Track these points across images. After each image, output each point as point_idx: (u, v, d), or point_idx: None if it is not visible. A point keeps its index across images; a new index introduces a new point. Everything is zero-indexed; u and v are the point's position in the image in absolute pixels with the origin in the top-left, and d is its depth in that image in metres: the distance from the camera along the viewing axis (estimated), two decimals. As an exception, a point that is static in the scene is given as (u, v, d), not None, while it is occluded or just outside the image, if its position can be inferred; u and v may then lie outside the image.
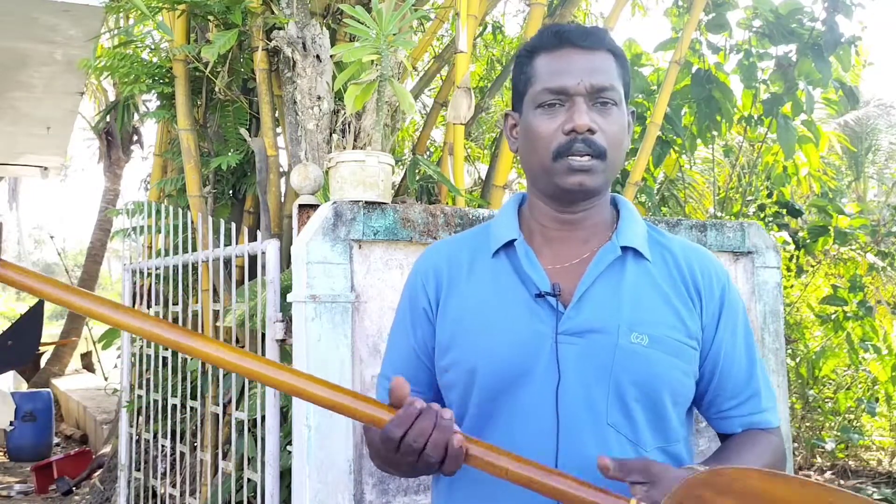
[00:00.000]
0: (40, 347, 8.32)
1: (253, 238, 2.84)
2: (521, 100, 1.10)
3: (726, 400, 1.10)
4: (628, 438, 1.02)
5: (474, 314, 1.08)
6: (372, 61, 2.50)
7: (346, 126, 3.01)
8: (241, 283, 3.01)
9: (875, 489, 4.79)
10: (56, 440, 7.20)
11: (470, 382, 1.06)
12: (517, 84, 1.12)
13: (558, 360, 1.01)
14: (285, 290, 2.38)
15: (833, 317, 5.07)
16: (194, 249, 3.05)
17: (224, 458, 2.98)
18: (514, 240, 1.09)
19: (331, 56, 3.08)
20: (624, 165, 1.14)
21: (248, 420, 2.68)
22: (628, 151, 1.11)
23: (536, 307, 1.05)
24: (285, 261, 2.90)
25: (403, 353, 1.15)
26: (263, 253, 2.47)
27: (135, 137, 9.63)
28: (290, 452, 2.42)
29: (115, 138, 9.48)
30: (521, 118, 1.10)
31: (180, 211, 3.17)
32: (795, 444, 5.21)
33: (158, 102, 3.93)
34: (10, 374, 8.56)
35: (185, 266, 3.07)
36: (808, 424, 5.55)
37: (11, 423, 6.45)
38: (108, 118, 8.92)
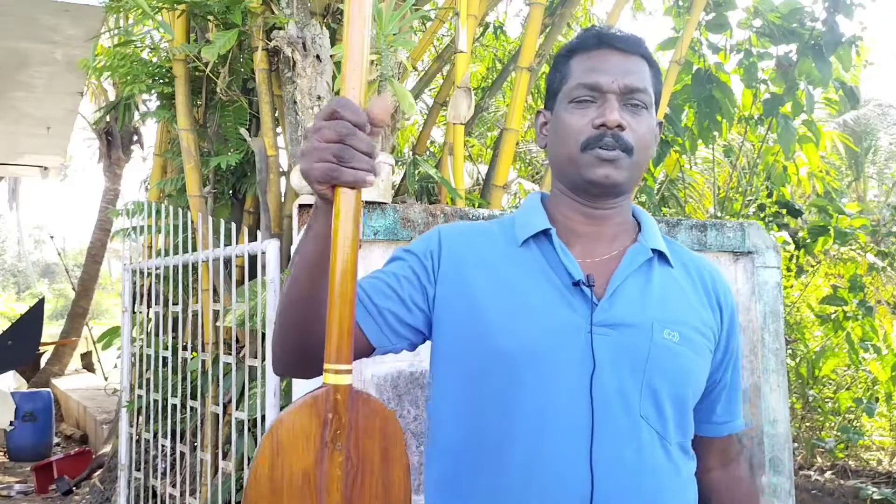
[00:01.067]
0: (40, 347, 8.32)
1: (253, 238, 2.84)
2: (555, 97, 1.14)
3: (722, 408, 1.18)
4: (657, 431, 1.04)
5: (504, 297, 1.07)
6: (372, 61, 2.50)
7: (347, 126, 3.01)
8: (241, 283, 3.01)
9: (875, 489, 4.79)
10: (56, 440, 7.20)
11: (493, 362, 1.05)
12: (552, 83, 1.15)
13: (593, 349, 1.02)
14: (285, 290, 2.37)
15: (833, 317, 5.07)
16: (194, 249, 3.05)
17: (224, 458, 2.98)
18: (548, 229, 1.10)
19: (331, 56, 3.08)
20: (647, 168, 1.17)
21: (248, 420, 2.68)
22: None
23: (570, 297, 1.06)
24: (285, 261, 2.90)
25: (399, 266, 1.12)
26: (263, 253, 2.47)
27: (135, 137, 9.63)
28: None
29: (115, 138, 9.48)
30: (553, 114, 1.14)
31: (180, 211, 3.17)
32: (795, 444, 5.21)
33: (158, 102, 3.93)
34: (10, 374, 8.55)
35: (185, 266, 3.07)
36: (808, 424, 5.55)
37: (12, 423, 6.45)
38: (108, 118, 8.92)
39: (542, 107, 1.19)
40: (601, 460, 1.00)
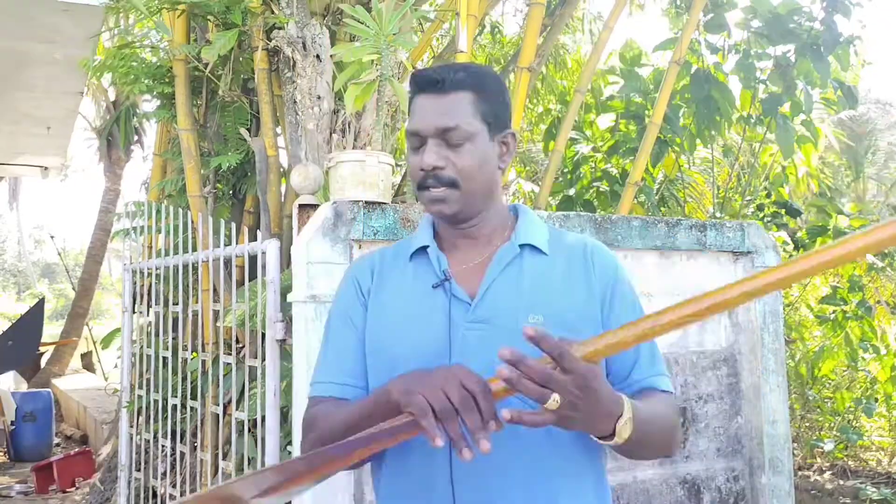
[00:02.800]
0: (40, 347, 8.33)
1: (253, 238, 2.84)
2: None
3: (624, 369, 1.23)
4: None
5: (393, 306, 1.22)
6: (372, 61, 2.51)
7: (346, 126, 3.02)
8: (241, 283, 3.01)
9: (875, 489, 4.80)
10: (56, 440, 7.20)
11: (391, 367, 1.16)
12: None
13: (451, 345, 1.15)
14: (285, 290, 2.38)
15: (832, 317, 5.08)
16: (194, 249, 3.05)
17: (224, 458, 2.98)
18: (426, 246, 1.25)
19: (331, 56, 3.08)
20: (492, 184, 1.26)
21: (248, 420, 2.69)
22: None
23: (445, 300, 1.19)
24: (285, 261, 2.90)
25: (349, 345, 1.25)
26: (263, 253, 2.48)
27: (135, 137, 9.64)
28: (290, 452, 2.42)
29: (116, 138, 9.49)
30: None
31: (180, 211, 3.17)
32: (795, 445, 5.21)
33: (158, 102, 3.94)
34: (11, 374, 8.56)
35: (185, 266, 3.08)
36: (807, 424, 5.55)
37: (12, 423, 6.46)
38: (108, 117, 8.93)
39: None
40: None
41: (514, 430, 1.05)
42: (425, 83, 1.21)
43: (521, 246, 1.23)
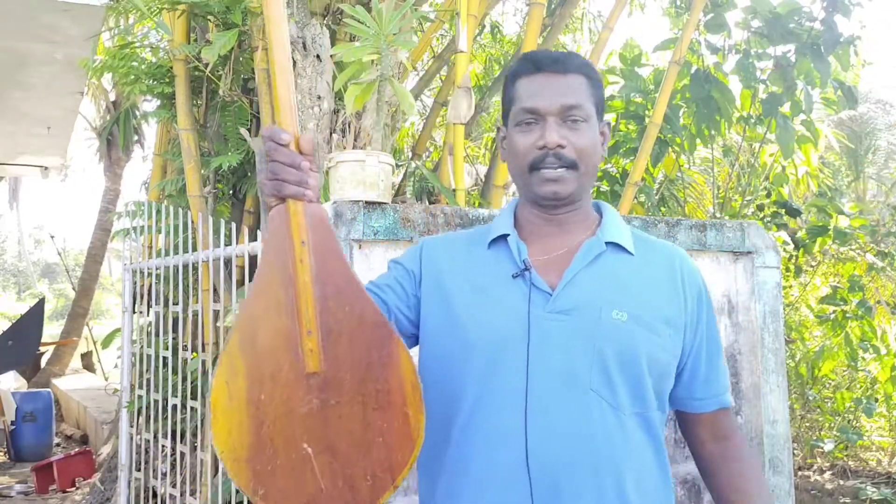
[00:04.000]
0: (41, 347, 8.33)
1: (253, 238, 2.84)
2: (507, 116, 1.28)
3: (700, 385, 1.27)
4: (609, 402, 1.14)
5: (468, 293, 1.22)
6: (372, 61, 2.51)
7: (346, 126, 3.02)
8: (241, 283, 3.01)
9: (875, 489, 4.80)
10: (56, 440, 7.20)
11: (456, 350, 1.19)
12: (504, 103, 1.29)
13: (529, 335, 1.15)
14: (285, 289, 2.37)
15: (832, 317, 5.08)
16: (194, 249, 3.05)
17: (224, 457, 2.98)
18: (506, 234, 1.25)
19: (331, 56, 3.08)
20: (598, 171, 1.29)
21: (249, 420, 2.69)
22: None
23: (525, 289, 1.18)
24: (285, 261, 2.90)
25: (386, 277, 1.30)
26: (263, 253, 2.47)
27: (135, 137, 9.64)
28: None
29: (116, 138, 9.49)
30: (507, 133, 1.27)
31: (180, 211, 3.17)
32: (795, 445, 5.22)
33: (158, 102, 3.94)
34: (11, 374, 8.56)
35: (185, 266, 3.08)
36: (807, 424, 5.55)
37: (12, 423, 6.46)
38: (108, 117, 8.93)
39: (501, 122, 1.33)
40: (537, 435, 1.11)
41: (590, 428, 1.12)
42: (547, 62, 1.21)
43: (608, 243, 1.23)
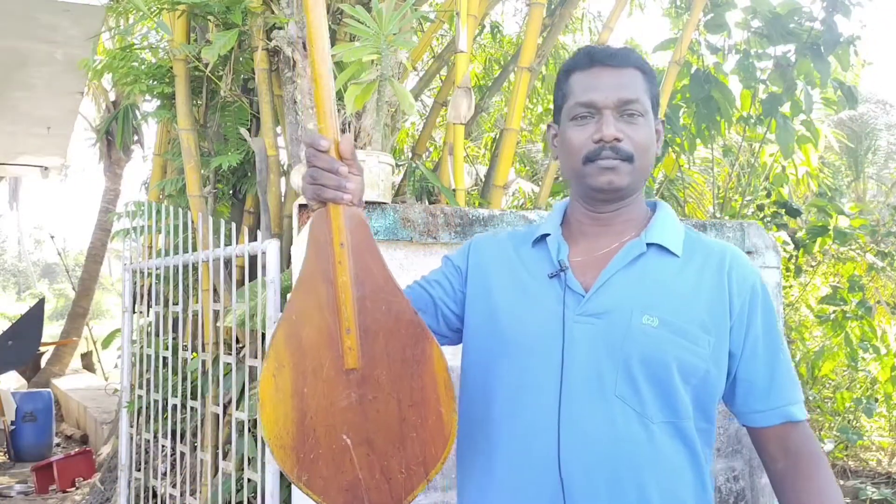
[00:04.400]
0: (41, 347, 8.32)
1: (253, 238, 2.85)
2: (560, 113, 1.25)
3: (759, 397, 1.20)
4: (634, 409, 1.12)
5: (509, 292, 1.22)
6: (372, 61, 2.51)
7: (346, 126, 3.02)
8: (241, 283, 3.01)
9: (875, 489, 4.80)
10: (56, 440, 7.20)
11: (495, 348, 1.20)
12: (556, 99, 1.27)
13: (564, 337, 1.14)
14: (285, 290, 2.38)
15: (832, 317, 5.07)
16: (194, 249, 3.05)
17: (224, 458, 2.98)
18: (547, 234, 1.25)
19: (331, 56, 3.08)
20: (652, 169, 1.26)
21: (249, 420, 2.69)
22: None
23: (560, 290, 1.18)
24: (285, 261, 2.90)
25: (436, 273, 1.33)
26: (264, 253, 2.48)
27: (135, 137, 9.64)
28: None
29: (116, 138, 9.49)
30: (560, 129, 1.25)
31: (180, 211, 3.17)
32: (795, 444, 5.19)
33: (158, 102, 3.94)
34: (11, 374, 8.56)
35: (185, 266, 3.08)
36: (807, 424, 5.54)
37: (12, 423, 6.46)
38: (107, 117, 8.92)
39: (552, 120, 1.32)
40: (568, 438, 1.11)
41: (614, 435, 1.10)
42: (603, 55, 1.20)
43: (650, 244, 1.19)
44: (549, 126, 1.31)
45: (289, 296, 1.08)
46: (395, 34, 2.43)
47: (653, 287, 1.16)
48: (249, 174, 3.62)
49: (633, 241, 1.20)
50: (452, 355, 1.27)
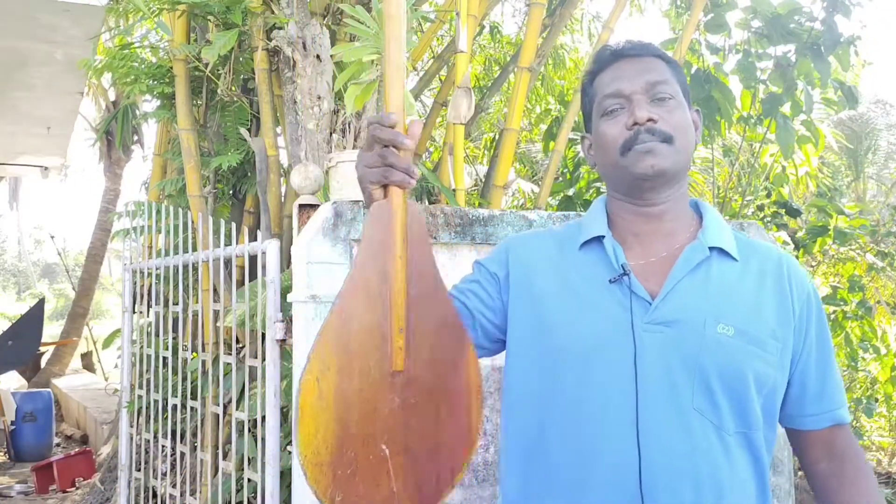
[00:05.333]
0: (41, 347, 8.33)
1: (253, 238, 2.85)
2: (590, 118, 1.22)
3: (812, 400, 1.18)
4: (712, 422, 1.08)
5: (563, 298, 1.15)
6: (372, 61, 2.51)
7: (346, 126, 3.02)
8: (241, 283, 3.01)
9: (874, 489, 4.79)
10: (56, 440, 7.20)
11: (549, 359, 1.13)
12: (584, 107, 1.24)
13: (636, 345, 1.08)
14: (285, 290, 2.38)
15: (832, 317, 5.07)
16: (194, 249, 3.05)
17: (224, 458, 2.98)
18: (603, 236, 1.17)
19: (331, 56, 3.08)
20: (692, 158, 1.19)
21: (249, 420, 2.69)
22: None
23: (622, 297, 1.11)
24: (285, 261, 2.90)
25: (469, 282, 1.26)
26: (264, 253, 2.48)
27: (135, 137, 9.64)
28: (290, 452, 2.42)
29: (115, 138, 9.49)
30: (593, 133, 1.21)
31: (180, 211, 3.17)
32: (795, 444, 5.20)
33: (158, 102, 3.94)
34: (11, 374, 8.56)
35: (185, 266, 3.08)
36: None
37: (12, 423, 6.46)
38: (107, 117, 8.91)
39: (584, 131, 1.27)
40: (649, 451, 1.05)
41: (693, 448, 1.06)
42: (625, 49, 1.18)
43: (711, 248, 1.14)
44: (582, 138, 1.27)
45: (336, 294, 1.00)
46: (395, 34, 2.43)
47: (720, 294, 1.11)
48: (249, 174, 3.62)
49: (693, 245, 1.14)
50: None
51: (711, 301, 1.10)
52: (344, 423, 0.98)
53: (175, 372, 3.22)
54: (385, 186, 1.01)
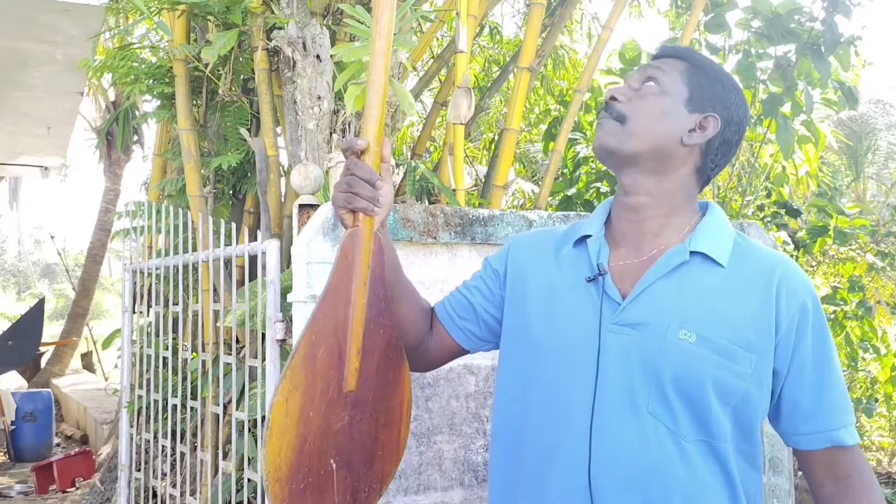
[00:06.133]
0: (41, 347, 8.33)
1: (253, 238, 2.85)
2: None
3: (804, 419, 1.13)
4: (667, 427, 1.07)
5: (543, 297, 1.19)
6: (372, 61, 2.50)
7: (346, 126, 3.02)
8: (241, 283, 3.01)
9: (874, 489, 4.79)
10: (56, 440, 7.20)
11: (526, 357, 1.18)
12: None
13: (600, 348, 1.10)
14: (286, 290, 2.38)
15: (832, 317, 5.07)
16: (194, 249, 3.05)
17: (224, 458, 2.98)
18: (587, 236, 1.20)
19: (331, 56, 3.08)
20: (663, 150, 1.16)
21: (248, 420, 2.69)
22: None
23: (595, 298, 1.13)
24: (285, 261, 2.90)
25: (475, 277, 1.32)
26: (264, 253, 2.48)
27: (135, 137, 9.64)
28: (290, 452, 2.42)
29: (116, 138, 9.48)
30: None
31: (180, 211, 3.17)
32: (795, 444, 5.20)
33: (158, 102, 3.94)
34: (11, 374, 8.56)
35: (185, 266, 3.08)
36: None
37: (12, 423, 6.46)
38: (107, 117, 8.91)
39: None
40: (599, 451, 1.08)
41: (646, 452, 1.06)
42: (659, 54, 1.22)
43: (693, 252, 1.12)
44: None
45: (309, 313, 1.08)
46: (394, 34, 2.43)
47: (692, 299, 1.09)
48: (249, 174, 3.62)
49: (675, 248, 1.13)
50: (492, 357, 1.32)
51: (679, 306, 1.09)
52: (303, 440, 1.04)
53: (175, 372, 3.21)
54: (353, 212, 1.07)
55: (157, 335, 3.32)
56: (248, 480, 2.65)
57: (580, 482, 1.08)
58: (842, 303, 5.00)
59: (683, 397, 1.07)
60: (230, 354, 2.87)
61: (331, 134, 3.06)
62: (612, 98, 1.15)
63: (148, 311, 3.55)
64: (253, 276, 2.69)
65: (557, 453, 1.10)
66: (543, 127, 6.01)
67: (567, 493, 1.09)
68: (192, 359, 3.16)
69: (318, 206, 2.30)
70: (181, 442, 3.11)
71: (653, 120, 1.14)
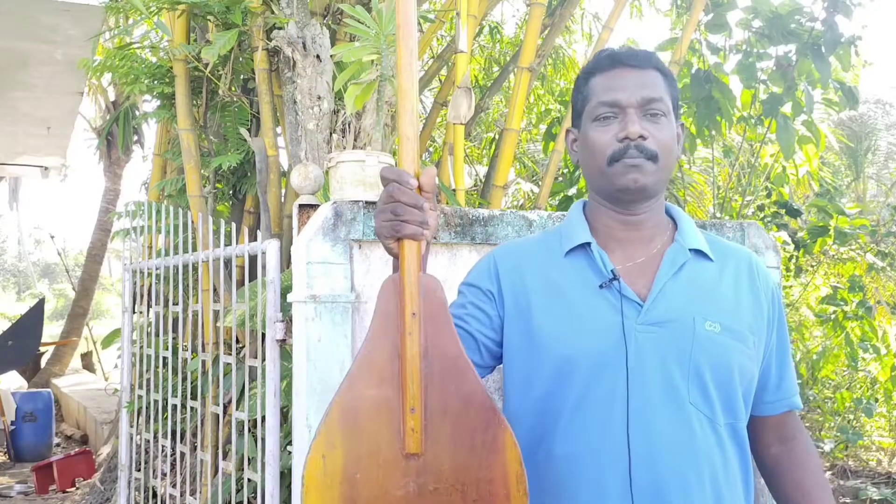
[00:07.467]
0: (41, 347, 8.33)
1: (253, 238, 2.84)
2: (580, 117, 1.25)
3: (772, 388, 1.25)
4: (706, 415, 1.13)
5: (554, 306, 1.18)
6: (372, 61, 2.51)
7: (346, 126, 3.02)
8: (241, 283, 3.01)
9: (875, 489, 4.79)
10: (56, 440, 7.20)
11: (545, 367, 1.16)
12: (576, 103, 1.27)
13: (626, 346, 1.12)
14: (285, 290, 2.38)
15: (833, 317, 5.07)
16: (194, 249, 3.05)
17: (224, 458, 2.98)
18: (589, 243, 1.21)
19: (331, 56, 3.08)
20: (673, 170, 1.26)
21: (249, 420, 2.69)
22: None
23: (613, 301, 1.15)
24: (285, 261, 2.90)
25: (463, 305, 1.26)
26: (264, 253, 2.47)
27: (135, 137, 9.62)
28: (290, 452, 2.42)
29: (116, 138, 9.47)
30: (581, 132, 1.24)
31: (180, 211, 3.17)
32: (795, 444, 5.20)
33: (158, 102, 3.93)
34: (11, 374, 8.56)
35: (185, 266, 3.08)
36: (807, 425, 5.55)
37: (12, 423, 6.46)
38: (107, 117, 8.92)
39: (570, 125, 1.31)
40: (639, 453, 1.10)
41: (692, 442, 1.11)
42: (625, 57, 1.20)
43: (690, 250, 1.21)
44: (567, 131, 1.30)
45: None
46: (394, 34, 2.43)
47: (703, 293, 1.18)
48: (249, 174, 3.62)
49: (674, 248, 1.20)
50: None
51: (697, 300, 1.17)
52: (350, 502, 0.97)
53: (175, 372, 3.21)
54: (399, 240, 1.01)
55: (157, 335, 3.32)
56: (248, 480, 2.65)
57: (616, 480, 1.10)
58: (842, 303, 5.01)
59: (718, 385, 1.14)
60: (230, 354, 2.86)
61: (331, 134, 3.06)
62: (641, 137, 1.15)
63: (148, 311, 3.54)
64: (253, 276, 2.69)
65: (602, 453, 1.11)
66: (543, 127, 6.01)
67: (610, 490, 1.10)
68: (192, 359, 3.16)
69: (318, 206, 2.30)
70: (181, 442, 3.11)
71: (672, 150, 1.19)
